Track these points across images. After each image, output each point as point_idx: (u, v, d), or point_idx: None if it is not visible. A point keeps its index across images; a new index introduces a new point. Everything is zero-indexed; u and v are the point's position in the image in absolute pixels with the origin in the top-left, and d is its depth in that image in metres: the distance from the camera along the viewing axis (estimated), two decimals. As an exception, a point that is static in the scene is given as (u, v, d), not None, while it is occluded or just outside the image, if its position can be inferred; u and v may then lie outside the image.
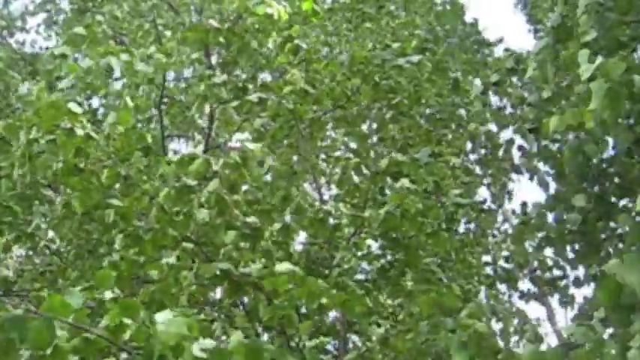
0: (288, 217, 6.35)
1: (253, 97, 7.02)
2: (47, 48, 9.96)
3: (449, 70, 7.71)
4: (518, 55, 7.10)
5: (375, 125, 8.23)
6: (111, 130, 4.77)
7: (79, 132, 4.48)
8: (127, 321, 3.29)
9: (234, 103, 7.06)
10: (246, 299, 6.26)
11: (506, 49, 8.14)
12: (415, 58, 7.28)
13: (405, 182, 6.56)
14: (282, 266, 4.69)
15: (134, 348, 3.43)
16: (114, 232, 5.34)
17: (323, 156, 8.83)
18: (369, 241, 7.38)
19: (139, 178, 5.34)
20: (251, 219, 5.50)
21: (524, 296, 9.13)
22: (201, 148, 9.53)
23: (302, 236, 7.96)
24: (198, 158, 5.05)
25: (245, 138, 6.01)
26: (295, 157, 7.85)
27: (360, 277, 7.67)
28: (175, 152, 11.53)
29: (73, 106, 4.54)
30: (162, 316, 3.27)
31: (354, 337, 9.03)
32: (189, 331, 3.24)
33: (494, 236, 9.23)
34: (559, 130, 4.88)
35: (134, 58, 5.87)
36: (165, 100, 9.41)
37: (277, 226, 5.93)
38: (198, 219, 5.06)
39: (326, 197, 8.81)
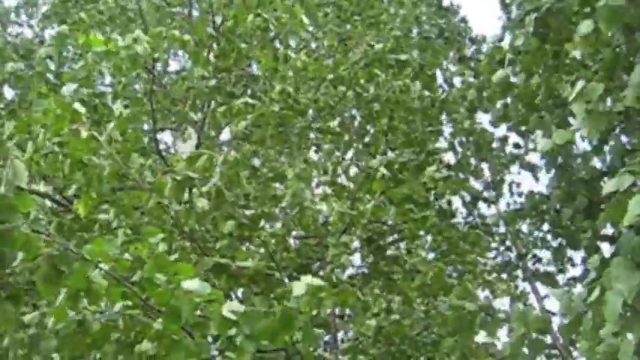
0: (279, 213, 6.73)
1: (240, 102, 7.41)
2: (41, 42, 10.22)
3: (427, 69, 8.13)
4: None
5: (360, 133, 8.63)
6: (112, 134, 5.10)
7: (84, 134, 4.84)
8: (160, 278, 3.65)
9: (222, 109, 7.46)
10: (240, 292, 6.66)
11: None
12: (403, 57, 7.69)
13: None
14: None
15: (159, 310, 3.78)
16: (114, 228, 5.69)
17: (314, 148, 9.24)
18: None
19: (140, 173, 5.67)
20: (248, 211, 5.88)
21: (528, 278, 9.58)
22: (193, 142, 9.82)
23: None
24: (203, 155, 5.42)
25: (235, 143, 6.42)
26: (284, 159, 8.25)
27: (352, 271, 8.10)
28: (167, 145, 11.87)
29: (77, 106, 4.89)
30: (188, 283, 3.65)
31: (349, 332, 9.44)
32: (214, 296, 3.64)
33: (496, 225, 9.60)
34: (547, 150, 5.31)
35: (115, 44, 6.16)
36: (157, 90, 9.73)
37: (279, 225, 6.28)
38: (198, 208, 5.42)
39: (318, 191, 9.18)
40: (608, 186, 4.00)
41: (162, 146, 11.51)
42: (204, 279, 6.12)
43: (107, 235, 5.59)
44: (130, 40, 5.93)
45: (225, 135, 10.74)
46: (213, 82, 8.01)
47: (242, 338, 3.57)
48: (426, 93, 8.55)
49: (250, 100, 7.52)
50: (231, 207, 5.74)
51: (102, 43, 5.82)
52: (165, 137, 12.90)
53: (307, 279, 4.76)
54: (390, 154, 8.15)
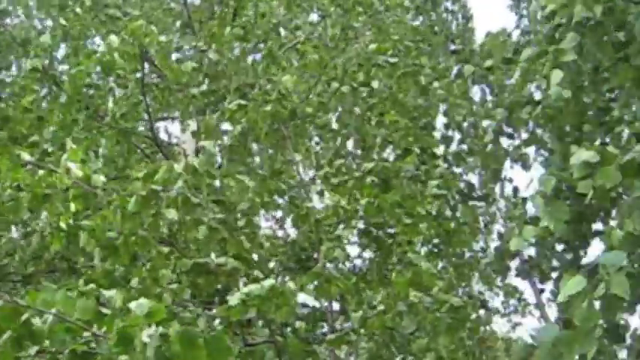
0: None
1: (233, 104, 7.70)
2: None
3: (419, 74, 8.36)
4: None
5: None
6: (64, 165, 5.43)
7: (40, 172, 5.21)
8: (105, 310, 3.86)
9: (217, 114, 7.77)
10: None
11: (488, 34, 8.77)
12: (392, 60, 7.92)
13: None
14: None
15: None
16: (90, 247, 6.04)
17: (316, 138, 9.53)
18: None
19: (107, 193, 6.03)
20: (219, 215, 6.20)
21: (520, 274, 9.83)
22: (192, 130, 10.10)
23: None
24: (161, 168, 5.71)
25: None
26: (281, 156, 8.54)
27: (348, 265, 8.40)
28: (168, 134, 12.23)
29: (23, 155, 5.30)
30: (136, 304, 3.79)
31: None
32: (152, 315, 3.73)
33: (485, 221, 9.84)
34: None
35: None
36: (158, 79, 10.04)
37: (241, 222, 6.58)
38: (168, 218, 5.74)
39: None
40: (567, 289, 4.29)
41: (164, 135, 11.96)
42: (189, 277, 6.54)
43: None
44: (104, 47, 6.26)
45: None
46: (203, 87, 8.35)
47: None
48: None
49: (242, 102, 7.82)
50: (199, 213, 6.04)
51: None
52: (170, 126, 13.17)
53: (252, 287, 5.13)
54: (388, 152, 8.44)
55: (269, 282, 5.34)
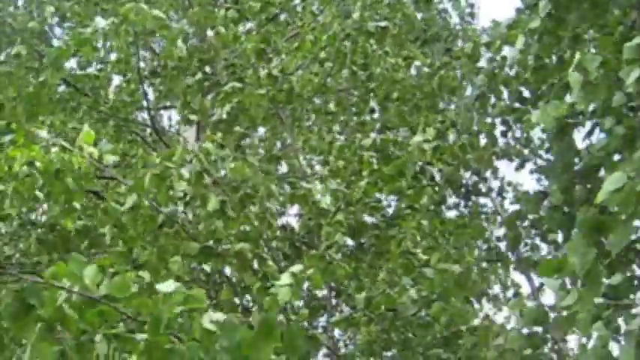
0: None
1: (227, 87, 8.00)
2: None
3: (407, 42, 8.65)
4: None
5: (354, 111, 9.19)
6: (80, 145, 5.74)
7: (54, 149, 5.52)
8: (134, 289, 3.62)
9: (210, 96, 8.06)
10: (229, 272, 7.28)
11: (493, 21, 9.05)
12: (383, 24, 8.23)
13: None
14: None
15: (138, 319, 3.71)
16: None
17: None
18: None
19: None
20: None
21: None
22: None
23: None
24: (177, 151, 6.05)
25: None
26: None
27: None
28: (170, 123, 12.52)
29: (41, 133, 5.60)
30: (164, 286, 3.56)
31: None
32: (197, 301, 3.57)
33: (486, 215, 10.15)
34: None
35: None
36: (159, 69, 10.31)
37: (255, 209, 6.85)
38: (178, 190, 6.02)
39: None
40: (608, 184, 4.26)
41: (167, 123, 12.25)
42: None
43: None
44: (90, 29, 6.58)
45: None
46: (199, 76, 8.64)
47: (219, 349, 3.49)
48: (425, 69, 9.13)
49: (237, 84, 8.11)
50: (211, 189, 6.32)
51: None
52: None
53: (296, 268, 5.11)
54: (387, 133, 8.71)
55: (297, 267, 5.39)
